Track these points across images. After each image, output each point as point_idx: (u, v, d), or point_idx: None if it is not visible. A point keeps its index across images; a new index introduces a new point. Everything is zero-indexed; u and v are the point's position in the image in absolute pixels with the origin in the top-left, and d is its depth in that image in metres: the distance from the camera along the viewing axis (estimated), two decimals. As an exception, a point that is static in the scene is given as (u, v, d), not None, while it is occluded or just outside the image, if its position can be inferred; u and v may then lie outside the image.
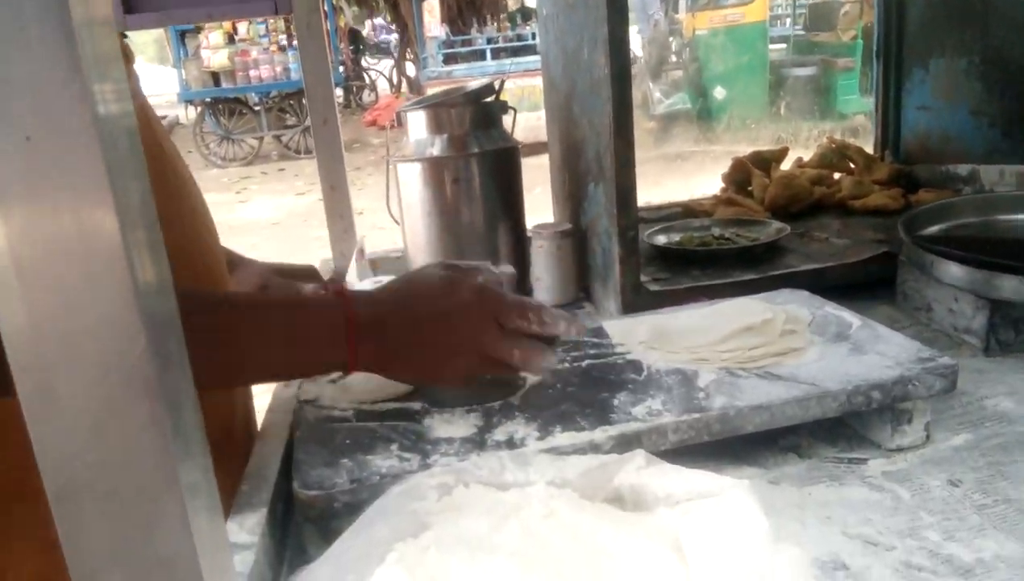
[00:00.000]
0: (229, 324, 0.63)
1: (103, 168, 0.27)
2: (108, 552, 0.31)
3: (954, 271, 0.93)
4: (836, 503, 0.67)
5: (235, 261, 1.01)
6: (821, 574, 0.58)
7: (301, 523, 0.68)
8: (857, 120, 7.44)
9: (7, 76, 0.26)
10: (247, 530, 0.65)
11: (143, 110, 0.73)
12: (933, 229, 1.09)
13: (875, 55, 1.63)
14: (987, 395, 0.84)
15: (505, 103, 1.31)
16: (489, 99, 1.29)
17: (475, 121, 1.25)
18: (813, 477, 0.72)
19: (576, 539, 0.57)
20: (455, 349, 0.69)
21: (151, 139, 0.72)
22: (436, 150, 1.24)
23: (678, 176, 6.62)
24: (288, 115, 10.02)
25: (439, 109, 1.25)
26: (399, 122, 1.30)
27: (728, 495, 0.57)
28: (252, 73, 9.32)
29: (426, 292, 0.71)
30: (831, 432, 0.78)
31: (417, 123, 1.26)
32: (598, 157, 1.12)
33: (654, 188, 5.64)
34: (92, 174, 0.28)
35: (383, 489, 0.63)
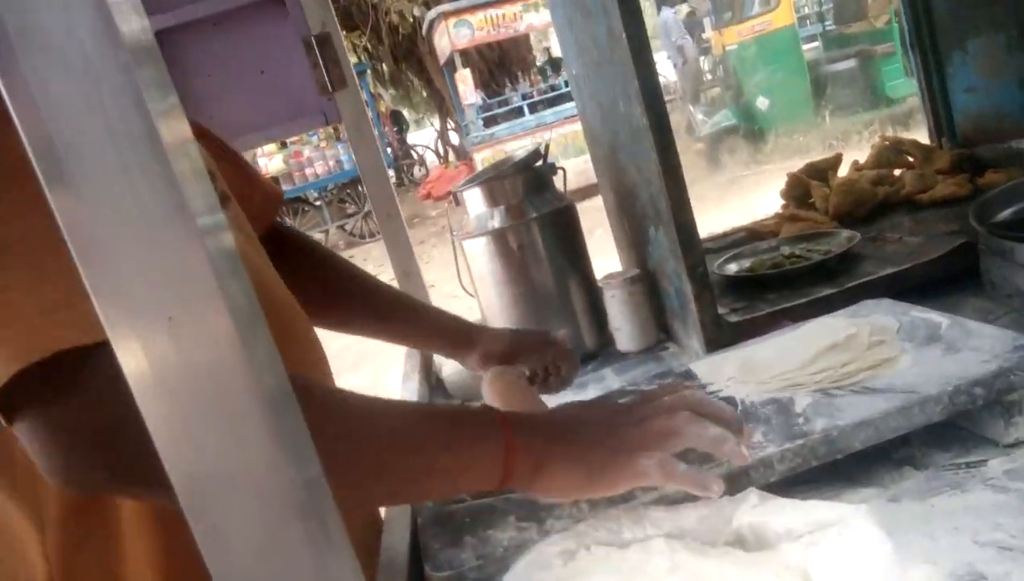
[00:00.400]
0: (383, 435, 0.61)
1: (236, 335, 0.32)
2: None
3: (1038, 253, 0.91)
4: (962, 512, 0.66)
5: (477, 332, 1.06)
6: (958, 588, 0.57)
7: (435, 606, 0.71)
8: (910, 102, 7.23)
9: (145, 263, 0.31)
10: (386, 619, 0.68)
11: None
12: (1006, 213, 1.07)
13: (910, 46, 1.62)
14: (1099, 374, 0.81)
15: (553, 165, 1.36)
16: (538, 164, 1.33)
17: (528, 188, 1.30)
18: (933, 488, 0.71)
19: (704, 586, 0.58)
20: (614, 482, 0.65)
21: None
22: (496, 222, 1.29)
23: (736, 196, 6.56)
24: (348, 204, 10.39)
25: (493, 183, 1.30)
26: (456, 201, 1.36)
27: (849, 522, 0.57)
28: (308, 171, 9.73)
29: (590, 423, 0.67)
30: (944, 437, 0.77)
31: (474, 199, 1.32)
32: (652, 201, 1.14)
33: (715, 211, 5.60)
34: (227, 340, 0.32)
35: (509, 561, 0.66)
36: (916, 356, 0.79)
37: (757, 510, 0.63)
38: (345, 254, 9.74)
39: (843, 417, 0.72)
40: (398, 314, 1.03)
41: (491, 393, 0.96)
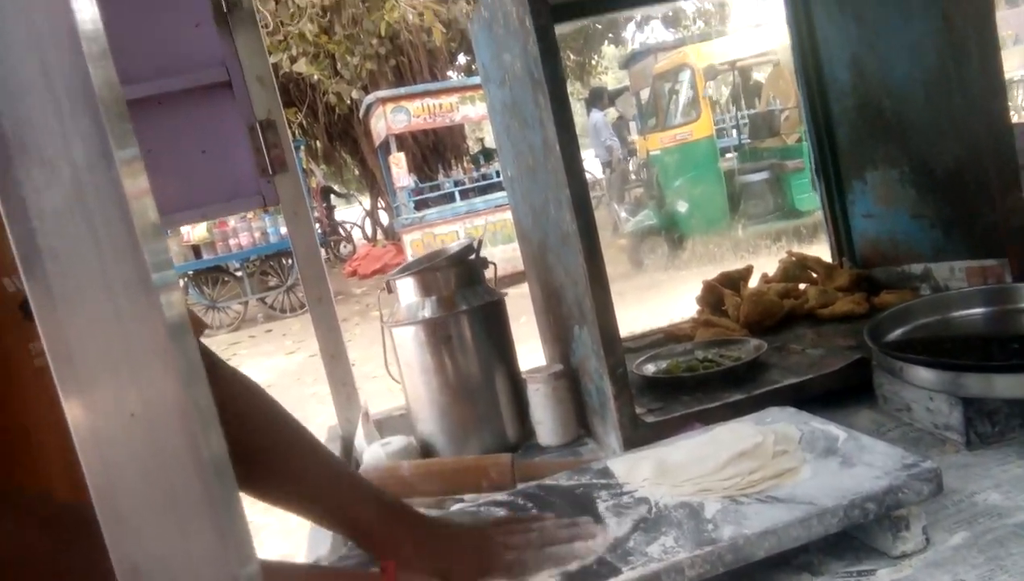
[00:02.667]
0: None
1: (194, 435, 0.34)
2: None
3: (923, 374, 1.00)
4: (852, 618, 0.70)
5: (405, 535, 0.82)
6: None
7: None
8: (817, 215, 7.70)
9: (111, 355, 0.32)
10: None
11: None
12: (897, 333, 1.17)
13: (815, 173, 1.78)
14: (976, 490, 0.88)
15: (485, 259, 1.41)
16: (471, 257, 1.38)
17: (460, 280, 1.34)
18: (827, 594, 0.75)
19: None
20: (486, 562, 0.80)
21: None
22: (427, 312, 1.32)
23: (655, 295, 6.80)
24: (270, 277, 10.22)
25: (426, 274, 1.34)
26: (389, 289, 1.39)
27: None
28: (232, 241, 9.57)
29: (467, 552, 0.82)
30: (839, 546, 0.82)
31: (407, 288, 1.35)
32: (578, 302, 1.20)
33: (635, 307, 5.77)
34: (184, 438, 0.34)
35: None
36: (815, 467, 0.85)
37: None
38: (264, 327, 9.55)
39: (749, 525, 0.76)
40: (324, 493, 0.83)
41: None
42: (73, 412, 0.32)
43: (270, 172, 1.31)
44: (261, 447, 0.81)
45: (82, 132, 0.30)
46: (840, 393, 1.19)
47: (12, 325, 0.54)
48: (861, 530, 0.81)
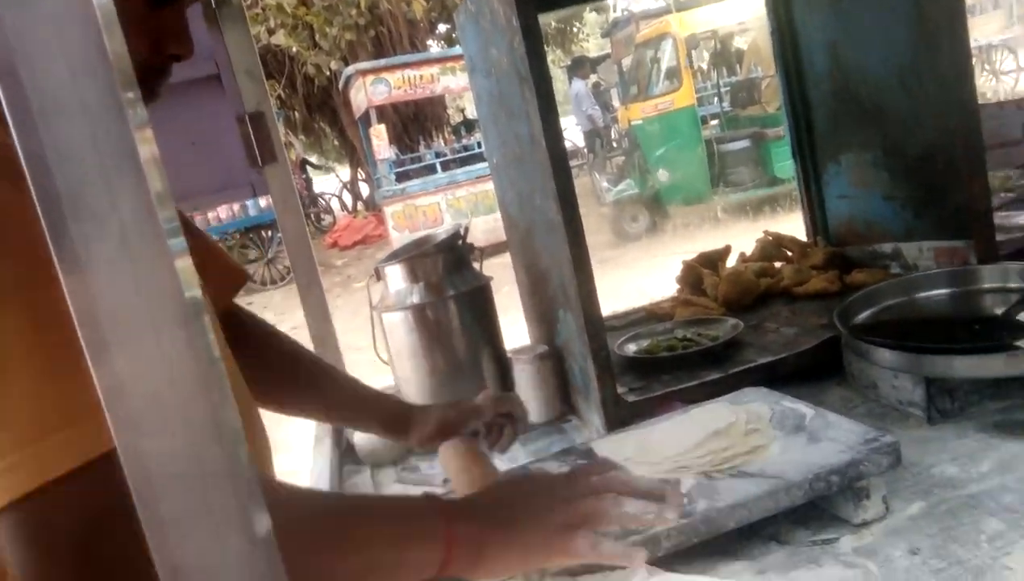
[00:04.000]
0: (330, 533, 0.64)
1: (225, 445, 0.38)
2: None
3: (887, 356, 1.06)
4: (816, 584, 0.77)
5: (412, 413, 1.07)
6: (809, 652, 0.67)
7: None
8: (795, 184, 7.80)
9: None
10: None
11: None
12: (865, 314, 1.23)
13: (792, 154, 1.83)
14: (933, 463, 0.95)
15: (472, 245, 1.45)
16: (458, 243, 1.42)
17: (448, 266, 1.39)
18: (794, 563, 0.82)
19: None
20: (547, 560, 0.71)
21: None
22: (416, 298, 1.36)
23: (635, 262, 6.87)
24: (250, 249, 10.19)
25: (415, 261, 1.38)
26: (378, 276, 1.43)
27: (721, 595, 0.67)
28: (211, 215, 9.52)
29: (526, 504, 0.72)
30: (805, 515, 0.88)
31: (395, 275, 1.39)
32: (562, 286, 1.25)
33: (613, 274, 5.84)
34: (217, 448, 0.38)
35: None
36: (784, 444, 0.91)
37: (645, 582, 0.72)
38: (245, 300, 9.49)
39: (722, 499, 0.82)
40: (341, 399, 1.06)
41: (448, 466, 1.00)
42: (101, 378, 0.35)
43: (259, 163, 1.34)
44: (309, 376, 1.04)
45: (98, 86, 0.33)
46: (812, 370, 1.26)
47: None
48: (826, 500, 0.88)
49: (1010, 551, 0.76)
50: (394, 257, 1.42)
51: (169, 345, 0.35)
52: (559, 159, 1.12)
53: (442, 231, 1.47)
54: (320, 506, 0.69)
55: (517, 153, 1.33)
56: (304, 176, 14.52)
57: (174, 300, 0.34)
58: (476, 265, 1.47)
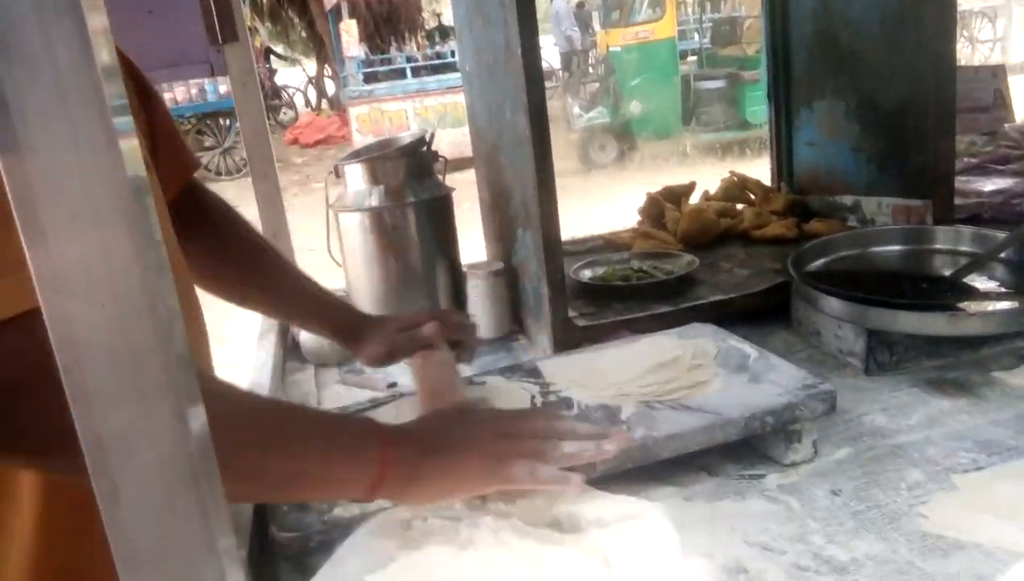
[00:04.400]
0: (269, 431, 0.63)
1: (157, 321, 0.36)
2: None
3: (835, 305, 1.08)
4: (740, 515, 0.79)
5: (366, 325, 1.03)
6: (726, 579, 0.70)
7: (278, 562, 0.76)
8: (765, 129, 7.81)
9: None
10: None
11: None
12: (818, 263, 1.25)
13: (766, 96, 1.81)
14: (865, 412, 0.98)
15: (436, 153, 1.41)
16: (423, 149, 1.38)
17: (410, 172, 1.35)
18: (721, 493, 0.84)
19: (523, 561, 0.67)
20: (481, 488, 0.71)
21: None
22: (375, 201, 1.33)
23: (599, 190, 6.84)
24: (206, 136, 9.85)
25: (376, 162, 1.34)
26: (337, 174, 1.38)
27: (647, 516, 0.68)
28: (167, 96, 9.13)
29: (465, 434, 0.71)
30: (737, 451, 0.90)
31: (355, 175, 1.35)
32: (524, 205, 1.23)
33: (577, 202, 5.82)
34: (147, 323, 0.36)
35: (353, 527, 0.72)
36: (726, 381, 0.93)
37: (576, 499, 0.73)
38: (199, 189, 9.26)
39: (659, 429, 0.83)
40: (296, 298, 1.02)
41: (420, 380, 0.97)
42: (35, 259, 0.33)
43: (220, 40, 1.27)
44: (267, 269, 0.99)
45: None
46: (761, 313, 1.27)
47: None
48: (758, 439, 0.90)
49: (926, 500, 0.79)
50: (355, 156, 1.37)
51: (105, 216, 0.32)
52: (534, 71, 1.08)
53: (407, 135, 1.42)
54: (256, 405, 0.67)
55: (491, 63, 1.28)
56: (267, 66, 13.97)
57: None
58: (439, 175, 1.43)
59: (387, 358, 1.02)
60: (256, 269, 0.99)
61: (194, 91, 9.27)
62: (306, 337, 1.35)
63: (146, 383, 0.37)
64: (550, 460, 0.69)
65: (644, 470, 0.85)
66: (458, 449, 0.69)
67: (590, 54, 10.56)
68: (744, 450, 0.91)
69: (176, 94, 9.32)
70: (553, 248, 1.16)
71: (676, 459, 0.85)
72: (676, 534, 0.66)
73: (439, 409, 0.81)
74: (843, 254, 1.27)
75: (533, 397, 0.94)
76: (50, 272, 0.33)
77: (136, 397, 0.37)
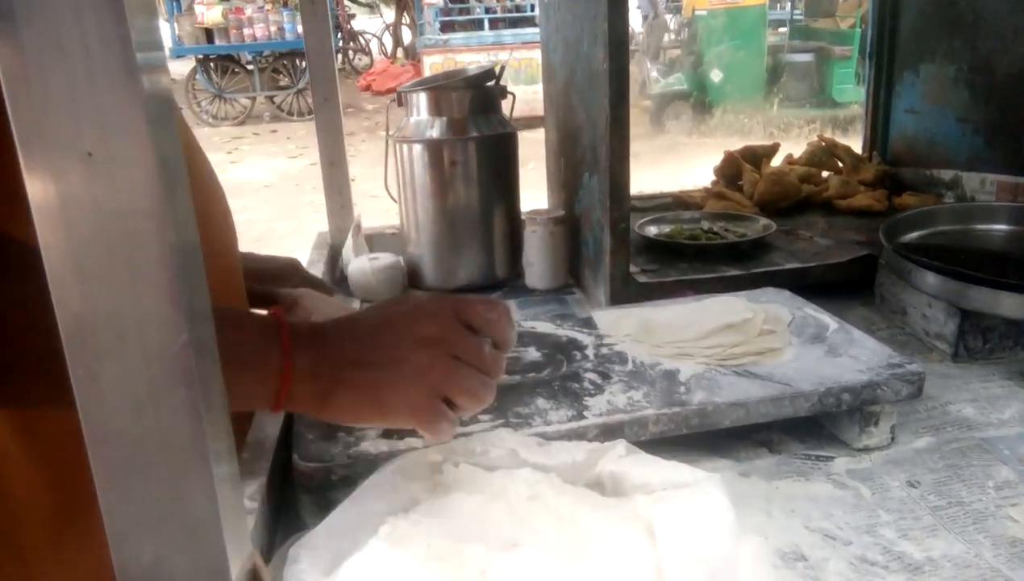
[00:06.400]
0: None
1: (156, 184, 0.31)
2: (143, 520, 0.35)
3: (930, 280, 0.97)
4: (801, 497, 0.72)
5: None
6: (781, 564, 0.62)
7: (299, 493, 0.72)
8: (853, 109, 7.46)
9: (73, 97, 0.29)
10: (247, 496, 0.68)
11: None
12: (912, 235, 1.13)
13: (868, 56, 1.67)
14: (951, 401, 0.88)
15: (505, 88, 1.34)
16: (490, 83, 1.31)
17: (475, 105, 1.28)
18: (781, 472, 0.76)
19: (558, 520, 0.61)
20: (402, 382, 0.57)
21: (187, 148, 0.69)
22: (436, 132, 1.26)
23: (671, 162, 6.65)
24: (282, 76, 9.92)
25: (440, 92, 1.27)
26: (399, 102, 1.32)
27: (700, 486, 0.61)
28: (246, 32, 9.19)
29: (383, 343, 0.58)
30: (802, 430, 0.82)
31: (418, 104, 1.29)
32: (593, 148, 1.15)
33: (648, 170, 5.67)
34: (145, 187, 0.31)
35: (378, 464, 0.67)
36: (800, 351, 0.84)
37: (621, 461, 0.66)
38: (269, 127, 9.40)
39: (721, 395, 0.76)
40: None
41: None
42: (26, 149, 0.29)
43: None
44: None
45: None
46: (838, 286, 1.17)
47: None
48: (828, 418, 0.82)
49: (1017, 502, 0.70)
50: (420, 85, 1.30)
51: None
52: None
53: (476, 68, 1.35)
54: None
55: (572, -10, 1.19)
56: (346, 9, 13.96)
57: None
58: (506, 112, 1.35)
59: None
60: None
61: (273, 28, 9.31)
62: (354, 269, 1.30)
63: (137, 256, 0.32)
64: (485, 403, 0.58)
65: (698, 439, 0.77)
66: (383, 365, 0.57)
67: (672, 19, 10.21)
68: (811, 428, 0.82)
69: (256, 31, 9.38)
70: (620, 194, 1.08)
71: (734, 430, 0.78)
72: (731, 510, 0.59)
73: (376, 302, 0.67)
74: (942, 229, 1.16)
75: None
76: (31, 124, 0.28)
77: (124, 272, 0.32)
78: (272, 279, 0.99)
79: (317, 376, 0.56)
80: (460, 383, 0.57)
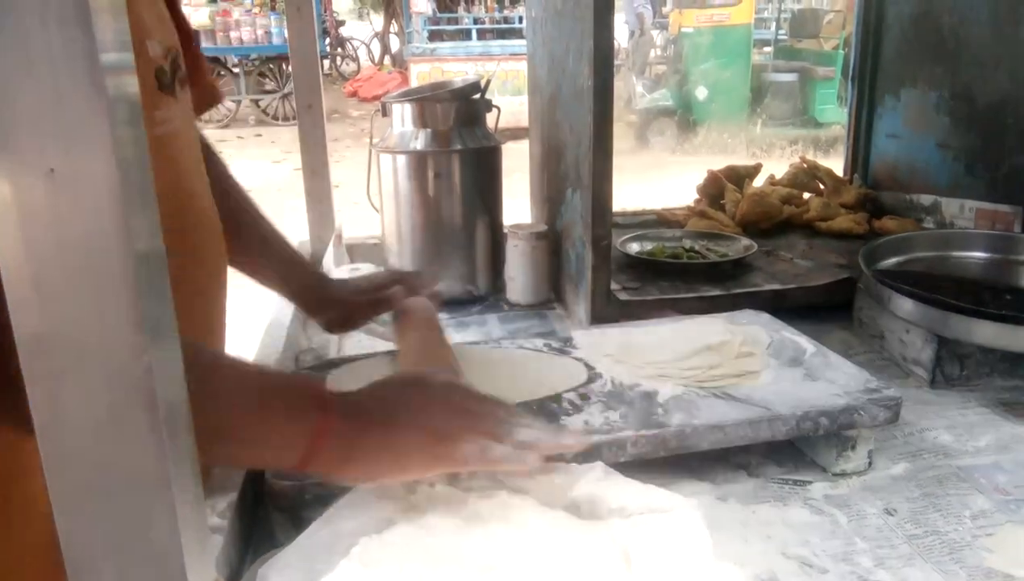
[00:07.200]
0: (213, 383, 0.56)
1: (120, 201, 0.29)
2: (102, 546, 0.33)
3: (907, 306, 0.98)
4: (778, 523, 0.71)
5: (322, 284, 0.98)
6: (759, 591, 0.62)
7: (271, 510, 0.71)
8: (835, 130, 7.55)
9: (39, 113, 0.28)
10: (217, 513, 0.67)
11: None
12: (891, 261, 1.14)
13: (851, 80, 1.68)
14: (928, 427, 0.88)
15: (490, 102, 1.33)
16: (475, 97, 1.30)
17: (460, 118, 1.27)
18: (759, 496, 0.76)
19: (533, 545, 0.60)
20: (427, 469, 0.63)
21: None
22: (420, 144, 1.26)
23: (655, 179, 6.68)
24: (267, 80, 9.87)
25: (425, 104, 1.27)
26: (384, 111, 1.31)
27: (677, 512, 0.61)
28: (233, 35, 9.14)
29: (413, 406, 0.63)
30: (780, 453, 0.82)
31: (403, 115, 1.28)
32: (576, 164, 1.14)
33: (630, 186, 5.68)
34: (108, 203, 0.30)
35: (352, 484, 0.66)
36: (778, 374, 0.84)
37: (599, 484, 0.66)
38: (254, 130, 9.33)
39: (699, 417, 0.75)
40: (264, 257, 0.95)
41: (400, 334, 0.90)
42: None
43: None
44: (237, 222, 0.90)
45: None
46: (819, 309, 1.17)
47: (144, 90, 0.46)
48: (805, 442, 0.81)
49: (992, 532, 0.70)
50: (405, 96, 1.30)
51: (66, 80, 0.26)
52: (604, 15, 0.99)
53: (461, 80, 1.34)
54: (196, 350, 0.59)
55: (558, 7, 1.19)
56: (335, 15, 13.95)
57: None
58: (491, 126, 1.35)
59: (346, 323, 0.96)
60: (237, 226, 0.91)
61: (260, 32, 9.27)
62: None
63: (99, 274, 0.30)
64: (503, 441, 0.61)
65: (676, 461, 0.77)
66: (402, 424, 0.61)
67: (659, 35, 10.29)
68: (788, 452, 0.82)
69: (243, 34, 9.34)
70: (602, 210, 1.07)
71: (713, 453, 0.77)
72: (707, 536, 0.58)
73: (389, 376, 0.72)
74: (920, 255, 1.16)
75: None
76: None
77: (85, 291, 0.31)
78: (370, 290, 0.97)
79: (344, 437, 0.59)
80: (476, 425, 0.62)
